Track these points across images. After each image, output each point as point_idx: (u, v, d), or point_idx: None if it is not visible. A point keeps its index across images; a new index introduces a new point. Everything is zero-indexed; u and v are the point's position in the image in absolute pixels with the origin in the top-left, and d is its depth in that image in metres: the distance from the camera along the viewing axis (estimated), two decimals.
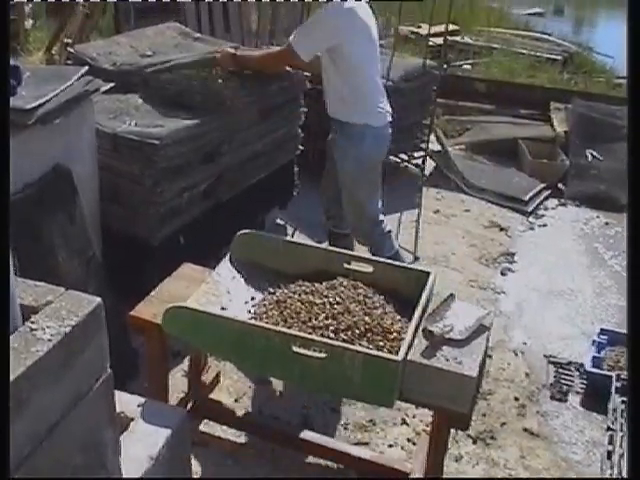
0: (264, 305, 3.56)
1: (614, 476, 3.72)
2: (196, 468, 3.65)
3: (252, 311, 3.53)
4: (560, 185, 8.25)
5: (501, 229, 7.24)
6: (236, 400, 4.49)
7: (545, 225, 7.47)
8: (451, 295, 3.54)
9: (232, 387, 4.57)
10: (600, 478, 4.01)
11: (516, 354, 5.22)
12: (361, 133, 4.98)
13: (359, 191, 5.18)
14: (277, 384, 4.59)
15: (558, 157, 8.60)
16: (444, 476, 3.84)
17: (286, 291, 3.64)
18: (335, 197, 5.32)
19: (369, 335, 3.31)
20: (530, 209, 7.73)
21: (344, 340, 3.26)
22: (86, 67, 4.55)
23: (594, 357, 4.90)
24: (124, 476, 2.27)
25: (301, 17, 7.55)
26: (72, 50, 6.03)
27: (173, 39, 6.31)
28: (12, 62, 4.02)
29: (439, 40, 8.34)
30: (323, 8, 4.81)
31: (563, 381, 4.95)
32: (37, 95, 3.92)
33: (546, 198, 8.07)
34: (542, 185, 8.19)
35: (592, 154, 8.46)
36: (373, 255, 4.94)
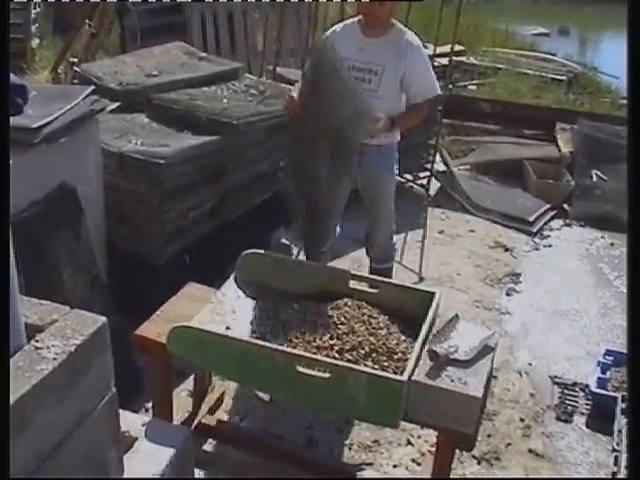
0: (269, 325, 3.56)
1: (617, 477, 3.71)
2: None
3: (257, 331, 3.52)
4: (565, 205, 8.25)
5: (506, 249, 7.23)
6: (240, 420, 4.48)
7: (550, 245, 7.46)
8: (456, 316, 3.54)
9: (237, 406, 4.56)
10: (601, 478, 3.99)
11: (521, 375, 5.20)
12: (395, 150, 5.18)
13: (393, 204, 5.38)
14: (282, 403, 4.58)
15: (563, 177, 8.60)
16: None
17: (291, 311, 3.64)
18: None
19: (374, 355, 3.31)
20: (535, 229, 7.72)
21: (349, 360, 3.26)
22: (92, 86, 4.57)
23: (599, 378, 4.88)
24: None
25: (307, 38, 7.58)
26: (78, 69, 6.06)
27: (179, 58, 6.34)
28: (19, 81, 4.04)
29: (444, 60, 8.36)
30: (419, 46, 4.90)
31: (568, 402, 4.93)
32: (43, 114, 3.94)
33: (551, 218, 8.06)
34: (547, 205, 8.18)
35: (597, 174, 8.46)
36: (380, 264, 5.09)
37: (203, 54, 6.71)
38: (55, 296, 2.14)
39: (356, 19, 4.85)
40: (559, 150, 9.08)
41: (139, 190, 4.78)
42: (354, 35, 4.71)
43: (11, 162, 3.52)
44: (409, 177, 7.82)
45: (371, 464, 4.23)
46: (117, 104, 4.64)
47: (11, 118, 3.79)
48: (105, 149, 4.67)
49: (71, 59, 8.46)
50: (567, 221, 8.02)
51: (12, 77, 3.95)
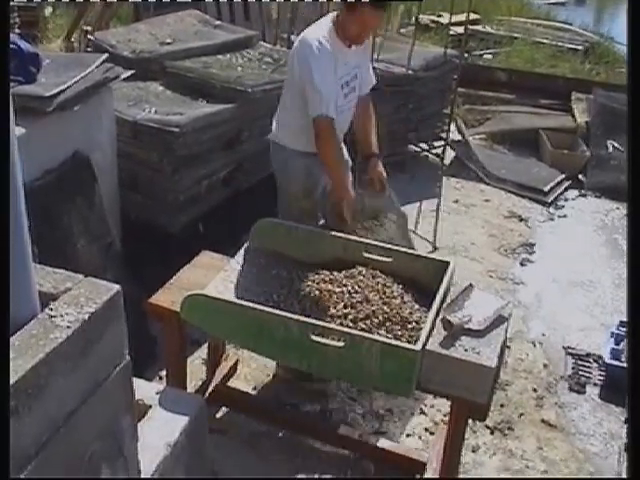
0: (283, 293, 3.55)
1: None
2: (213, 456, 3.65)
3: (271, 299, 3.52)
4: (580, 176, 8.22)
5: (521, 219, 7.22)
6: (254, 388, 4.49)
7: (565, 216, 7.44)
8: (470, 285, 3.53)
9: (250, 375, 4.57)
10: (601, 478, 3.99)
11: (534, 345, 5.20)
12: None
13: None
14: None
15: (579, 148, 8.56)
16: (461, 466, 3.84)
17: (305, 279, 3.64)
18: None
19: (387, 324, 3.31)
20: (550, 200, 7.70)
21: (362, 329, 3.26)
22: (105, 54, 4.56)
23: (613, 349, 4.86)
24: (141, 463, 2.28)
25: (321, 6, 7.53)
26: (91, 37, 6.04)
27: (193, 27, 6.31)
28: (32, 49, 4.03)
29: (460, 29, 8.35)
30: None
31: (581, 373, 4.93)
32: (57, 82, 3.93)
33: (566, 189, 8.04)
34: (562, 176, 8.16)
35: (613, 145, 8.41)
36: None
37: (217, 22, 6.68)
38: (69, 264, 2.13)
39: (330, 27, 4.06)
40: (575, 120, 9.05)
41: (153, 158, 4.77)
42: (340, 50, 4.08)
43: (25, 130, 3.54)
44: (424, 146, 7.79)
45: (384, 433, 4.24)
46: (131, 72, 4.62)
47: (24, 86, 3.81)
48: (119, 117, 4.66)
49: (84, 27, 8.44)
50: (582, 191, 8.00)
51: (25, 45, 3.94)
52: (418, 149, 7.93)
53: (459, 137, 8.71)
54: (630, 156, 2.37)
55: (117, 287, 1.92)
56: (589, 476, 4.11)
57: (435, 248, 6.35)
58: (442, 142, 7.25)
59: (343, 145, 4.42)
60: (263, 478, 3.83)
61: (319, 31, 4.03)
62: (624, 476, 3.75)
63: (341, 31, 4.03)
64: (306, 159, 4.15)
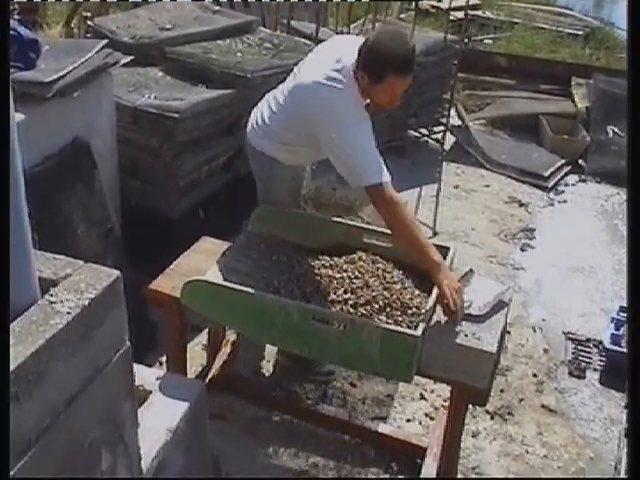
0: (283, 279, 3.55)
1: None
2: (213, 441, 3.65)
3: (271, 285, 3.52)
4: (581, 161, 8.21)
5: (521, 205, 7.21)
6: (255, 373, 4.50)
7: (565, 201, 7.44)
8: (470, 270, 3.52)
9: (251, 360, 4.57)
10: (603, 478, 3.99)
11: (535, 330, 5.21)
12: None
13: None
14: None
15: (579, 133, 8.55)
16: (461, 451, 3.85)
17: (305, 265, 3.63)
18: None
19: (388, 310, 3.30)
20: (550, 185, 7.69)
21: (363, 314, 3.26)
22: (105, 40, 4.54)
23: (613, 334, 4.87)
24: (142, 449, 2.28)
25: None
26: (91, 23, 6.02)
27: (192, 12, 6.29)
28: (32, 35, 4.02)
29: (460, 14, 8.34)
30: None
31: (581, 358, 4.93)
32: (56, 68, 3.91)
33: (566, 174, 8.03)
34: (562, 161, 8.15)
35: (613, 130, 8.40)
36: None
37: (217, 7, 6.66)
38: (69, 250, 2.13)
39: (353, 82, 3.53)
40: (575, 105, 9.03)
41: (153, 144, 4.76)
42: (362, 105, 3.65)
43: (24, 116, 3.53)
44: (424, 132, 7.79)
45: (385, 418, 4.25)
46: (130, 58, 4.61)
47: (24, 73, 3.80)
48: (119, 103, 4.64)
49: (84, 13, 8.40)
50: (582, 177, 7.99)
51: (25, 31, 3.93)
52: (418, 134, 7.93)
53: (459, 122, 8.70)
54: (630, 141, 2.37)
55: (117, 273, 1.92)
56: (592, 475, 4.12)
57: (435, 233, 6.34)
58: (442, 127, 7.24)
59: None
60: (269, 478, 3.83)
61: (347, 89, 3.51)
62: (624, 461, 3.75)
63: (366, 95, 3.60)
64: (291, 167, 3.98)
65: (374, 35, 3.57)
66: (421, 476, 3.70)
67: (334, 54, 3.63)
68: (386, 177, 3.39)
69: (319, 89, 3.50)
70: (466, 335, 3.14)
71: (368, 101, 3.67)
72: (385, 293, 3.37)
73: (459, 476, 3.88)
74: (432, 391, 4.46)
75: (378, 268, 3.56)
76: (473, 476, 3.96)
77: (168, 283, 3.59)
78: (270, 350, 4.57)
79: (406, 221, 3.42)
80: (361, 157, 3.44)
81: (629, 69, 2.47)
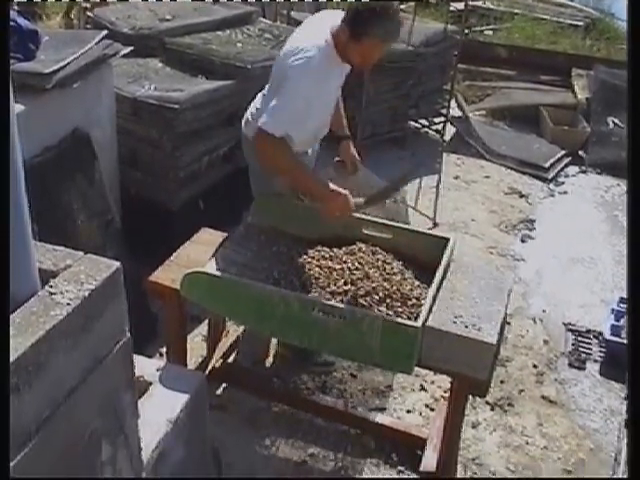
0: (283, 270, 3.55)
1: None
2: (213, 432, 3.65)
3: (271, 276, 3.51)
4: (581, 152, 8.19)
5: (521, 196, 7.20)
6: (255, 364, 4.50)
7: (565, 192, 7.43)
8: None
9: (251, 351, 4.57)
10: (603, 478, 4.00)
11: (535, 321, 5.20)
12: None
13: None
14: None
15: (579, 124, 8.53)
16: (461, 442, 3.85)
17: (305, 256, 3.63)
18: None
19: (388, 301, 3.30)
20: (550, 176, 7.68)
21: (363, 306, 3.26)
22: (105, 31, 4.54)
23: (613, 325, 4.86)
24: (142, 440, 2.28)
25: None
26: (91, 14, 6.02)
27: (192, 3, 6.29)
28: (31, 26, 4.02)
29: (460, 5, 8.31)
30: None
31: (582, 349, 4.93)
32: (56, 59, 3.91)
33: (567, 165, 8.02)
34: (563, 152, 8.14)
35: (614, 121, 8.39)
36: None
37: None
38: (69, 241, 2.13)
39: (330, 42, 3.60)
40: (575, 96, 9.02)
41: (153, 135, 4.76)
42: (338, 66, 3.72)
43: (24, 108, 3.53)
44: (424, 122, 7.78)
45: (384, 409, 4.25)
46: (130, 48, 4.60)
47: (23, 64, 3.79)
48: (118, 94, 4.64)
49: (84, 4, 8.39)
50: (583, 168, 7.97)
51: (24, 22, 3.93)
52: (418, 125, 7.92)
53: (459, 113, 8.69)
54: (630, 133, 2.36)
55: (117, 264, 1.92)
56: (592, 466, 4.12)
57: (435, 224, 6.34)
58: (442, 118, 7.24)
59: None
60: (273, 478, 3.83)
61: (320, 48, 3.56)
62: (624, 452, 3.75)
63: (341, 52, 3.62)
64: None
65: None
66: (421, 467, 3.71)
67: (317, 23, 3.75)
68: (279, 134, 3.47)
69: (296, 54, 3.54)
70: (466, 326, 3.13)
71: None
72: (385, 284, 3.37)
73: (459, 467, 3.88)
74: (432, 382, 4.46)
75: (378, 259, 3.57)
76: (473, 467, 3.96)
77: (168, 274, 3.59)
78: (273, 343, 4.57)
79: (285, 159, 3.58)
80: (280, 104, 3.50)
81: (629, 61, 2.47)
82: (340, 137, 4.16)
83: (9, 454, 1.58)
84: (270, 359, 4.52)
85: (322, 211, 3.65)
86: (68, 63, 3.93)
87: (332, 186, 3.62)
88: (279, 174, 3.78)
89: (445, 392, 4.27)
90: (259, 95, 3.96)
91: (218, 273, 3.37)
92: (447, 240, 3.62)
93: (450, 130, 7.99)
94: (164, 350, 4.19)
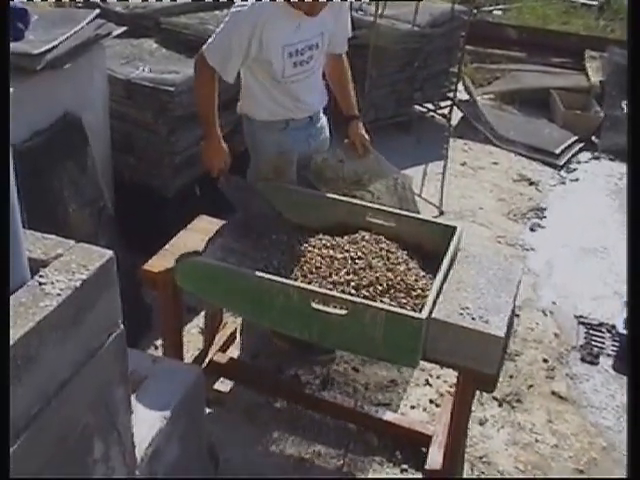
0: (283, 260, 3.55)
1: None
2: (211, 428, 3.66)
3: (270, 266, 3.51)
4: (594, 138, 8.18)
5: (531, 183, 7.20)
6: (253, 358, 4.50)
7: (577, 179, 7.42)
8: None
9: (249, 344, 4.58)
10: (602, 478, 4.00)
11: (545, 314, 5.20)
12: None
13: None
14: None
15: (592, 108, 8.52)
16: (468, 439, 3.86)
17: (306, 245, 3.63)
18: None
19: (392, 292, 3.30)
20: (562, 162, 7.67)
21: (365, 297, 3.26)
22: (97, 10, 4.51)
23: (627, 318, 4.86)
24: (135, 437, 2.28)
25: None
26: None
27: None
28: (20, 5, 4.00)
29: None
30: None
31: (594, 343, 4.93)
32: (46, 39, 3.90)
33: (579, 151, 8.00)
34: (575, 137, 8.12)
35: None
36: None
37: None
38: (60, 230, 2.13)
39: None
40: (588, 79, 9.00)
41: (147, 119, 4.76)
42: (288, 14, 3.76)
43: (12, 90, 3.51)
44: (430, 106, 7.76)
45: (388, 404, 4.25)
46: (123, 28, 4.59)
47: (12, 44, 3.78)
48: (111, 76, 4.63)
49: None
50: (595, 154, 7.96)
51: (13, 1, 3.92)
52: (424, 109, 7.90)
53: (467, 97, 8.67)
54: (630, 116, 2.36)
55: (110, 253, 1.92)
56: (605, 465, 4.12)
57: (441, 212, 6.34)
58: (449, 102, 7.22)
59: (323, 116, 4.30)
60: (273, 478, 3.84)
61: None
62: None
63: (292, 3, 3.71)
64: (276, 134, 4.04)
65: None
66: (426, 465, 3.72)
67: None
68: (212, 61, 3.76)
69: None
70: (473, 318, 3.13)
71: None
72: (389, 274, 3.37)
73: (465, 466, 3.89)
74: (438, 377, 4.47)
75: (382, 248, 3.56)
76: (480, 465, 3.97)
77: (163, 263, 3.59)
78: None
79: (198, 89, 3.97)
80: (218, 35, 3.77)
81: (629, 38, 2.46)
82: (349, 117, 4.22)
83: (9, 454, 1.58)
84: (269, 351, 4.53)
85: (203, 156, 4.04)
86: (59, 44, 3.92)
87: (220, 141, 4.01)
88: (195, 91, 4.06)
89: (451, 387, 4.28)
90: None
91: (216, 262, 3.37)
92: (454, 229, 3.61)
93: (457, 114, 7.97)
94: (159, 343, 4.20)
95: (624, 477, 3.69)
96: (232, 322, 4.52)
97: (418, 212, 4.19)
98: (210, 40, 3.78)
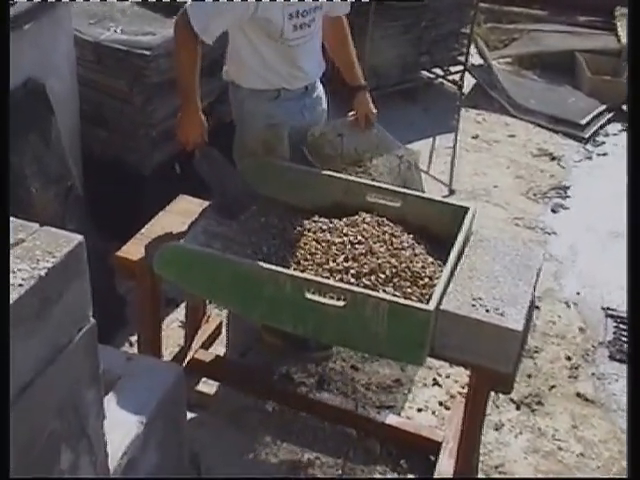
0: (274, 245, 3.55)
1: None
2: (193, 434, 3.68)
3: (260, 252, 3.52)
4: (624, 107, 8.17)
5: (553, 158, 7.20)
6: (241, 355, 4.51)
7: (605, 154, 7.42)
8: None
9: (236, 340, 4.58)
10: (602, 478, 4.01)
11: (568, 305, 5.21)
12: None
13: None
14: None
15: (623, 73, 8.50)
16: (482, 447, 3.86)
17: (299, 228, 3.63)
18: None
19: (396, 280, 3.30)
20: (588, 135, 7.66)
21: (366, 286, 3.26)
22: None
23: None
24: (108, 444, 2.29)
25: None
26: None
27: None
28: None
29: None
30: None
31: (624, 338, 4.93)
32: None
33: (607, 122, 8.00)
34: (603, 107, 8.11)
35: None
36: None
37: None
38: (21, 212, 2.13)
39: None
40: (619, 40, 8.97)
41: (120, 86, 4.75)
42: None
43: None
44: (439, 72, 7.75)
45: (392, 407, 4.27)
46: None
47: None
48: (79, 38, 4.62)
49: None
50: (626, 125, 7.95)
51: None
52: (432, 75, 7.89)
53: (480, 61, 8.66)
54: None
55: (79, 238, 1.92)
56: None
57: (451, 191, 6.35)
58: (460, 67, 7.21)
59: (320, 86, 4.29)
60: (260, 478, 3.85)
61: None
62: None
63: None
64: (267, 104, 4.03)
65: None
66: (435, 474, 3.73)
67: None
68: (197, 25, 3.67)
69: None
70: (487, 310, 3.13)
71: None
72: (393, 261, 3.37)
73: (480, 475, 3.90)
74: (447, 376, 4.48)
75: (384, 232, 3.57)
76: (496, 475, 3.98)
77: (139, 249, 3.59)
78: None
79: (178, 54, 3.86)
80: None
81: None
82: (354, 88, 4.22)
83: (9, 454, 1.59)
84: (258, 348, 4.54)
85: (177, 128, 3.99)
86: (16, 1, 3.91)
87: (198, 112, 3.96)
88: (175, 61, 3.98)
89: (462, 388, 4.29)
90: None
91: (198, 248, 3.37)
92: (466, 210, 3.61)
93: (469, 81, 7.96)
94: (134, 339, 4.21)
95: (624, 477, 3.71)
96: (216, 315, 4.53)
97: (423, 191, 4.19)
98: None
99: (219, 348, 4.46)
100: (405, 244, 3.51)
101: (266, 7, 3.69)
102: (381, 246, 3.46)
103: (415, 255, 3.45)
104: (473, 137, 7.38)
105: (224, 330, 4.55)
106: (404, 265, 3.36)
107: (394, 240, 3.52)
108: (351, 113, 4.18)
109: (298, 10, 3.80)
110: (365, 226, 3.59)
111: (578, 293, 5.35)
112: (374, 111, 4.22)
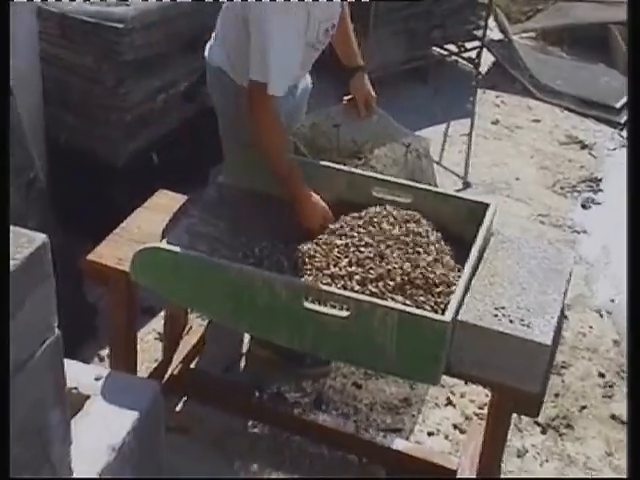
0: (267, 247, 3.54)
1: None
2: (172, 461, 3.66)
3: (251, 255, 3.50)
4: None
5: (583, 146, 7.20)
6: (226, 371, 4.51)
7: None
8: None
9: (220, 353, 4.58)
10: (600, 478, 4.01)
11: (601, 314, 5.21)
12: None
13: None
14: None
15: None
16: (503, 475, 3.86)
17: (296, 228, 3.62)
18: None
19: (407, 287, 3.29)
20: (623, 120, 7.66)
21: (373, 294, 3.24)
22: None
23: None
24: (75, 473, 2.28)
25: None
26: None
27: None
28: None
29: None
30: None
31: None
32: None
33: None
34: None
35: None
36: None
37: None
38: None
39: None
40: None
41: (89, 64, 4.74)
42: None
43: None
44: (453, 48, 7.75)
45: (399, 430, 4.26)
46: None
47: None
48: (42, 9, 4.62)
49: None
50: None
51: None
52: (445, 52, 7.89)
53: (500, 36, 8.67)
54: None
55: (43, 237, 1.91)
56: None
57: (466, 184, 6.35)
58: (477, 43, 7.22)
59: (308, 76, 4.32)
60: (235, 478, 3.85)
61: None
62: None
63: None
64: None
65: None
66: None
67: None
68: (274, 90, 3.62)
69: None
70: (511, 321, 3.12)
71: None
72: (405, 265, 3.34)
73: None
74: (462, 395, 4.47)
75: (408, 230, 3.55)
76: None
77: (112, 252, 3.59)
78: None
79: (268, 142, 3.73)
80: (274, 58, 3.60)
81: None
82: (350, 69, 4.19)
83: (9, 453, 1.57)
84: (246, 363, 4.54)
85: (301, 218, 3.72)
86: None
87: (313, 197, 3.72)
88: (261, 147, 3.80)
89: (480, 408, 4.29)
90: (225, 6, 4.03)
91: (182, 250, 3.35)
92: (485, 206, 3.60)
93: (487, 59, 7.97)
94: (105, 353, 4.20)
95: (624, 477, 3.71)
96: (199, 326, 4.52)
97: (434, 184, 4.18)
98: (260, 59, 3.66)
99: (202, 363, 4.45)
100: (429, 246, 3.48)
101: (310, 33, 3.73)
102: (397, 248, 3.44)
103: (436, 261, 3.42)
104: (492, 122, 7.38)
105: (207, 343, 4.55)
106: (418, 271, 3.34)
107: (417, 240, 3.49)
108: (347, 97, 4.15)
109: (320, 34, 3.83)
110: (384, 225, 3.57)
111: (612, 300, 5.35)
112: (373, 95, 4.17)
